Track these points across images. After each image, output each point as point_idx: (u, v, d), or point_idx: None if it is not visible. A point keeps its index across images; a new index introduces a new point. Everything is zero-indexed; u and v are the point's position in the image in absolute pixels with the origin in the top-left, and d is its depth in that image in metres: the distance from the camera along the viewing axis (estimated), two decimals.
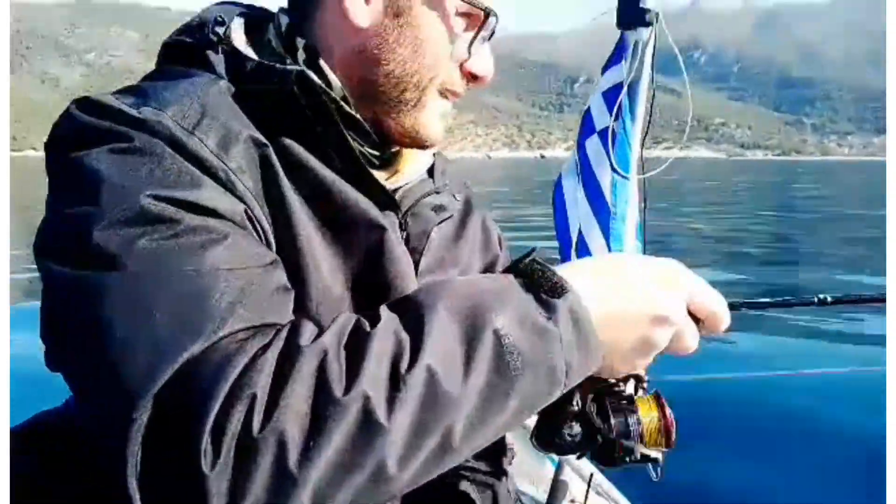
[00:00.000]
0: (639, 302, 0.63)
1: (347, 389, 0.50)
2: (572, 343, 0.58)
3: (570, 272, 0.62)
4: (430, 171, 0.91)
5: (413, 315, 0.56)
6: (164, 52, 0.77)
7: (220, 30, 0.74)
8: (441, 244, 0.88)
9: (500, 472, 0.95)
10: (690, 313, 0.66)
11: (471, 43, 0.76)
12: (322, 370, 0.51)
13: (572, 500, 1.69)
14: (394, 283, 0.75)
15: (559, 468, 1.75)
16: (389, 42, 0.74)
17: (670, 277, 0.66)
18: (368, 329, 0.55)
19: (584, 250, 2.19)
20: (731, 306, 0.70)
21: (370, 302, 0.68)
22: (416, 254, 0.82)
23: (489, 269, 1.01)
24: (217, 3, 0.80)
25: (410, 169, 0.87)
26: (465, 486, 0.89)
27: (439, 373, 0.52)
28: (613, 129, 2.18)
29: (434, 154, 0.93)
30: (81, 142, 0.61)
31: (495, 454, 0.95)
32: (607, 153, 2.17)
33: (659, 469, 0.75)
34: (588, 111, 2.30)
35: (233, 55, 0.73)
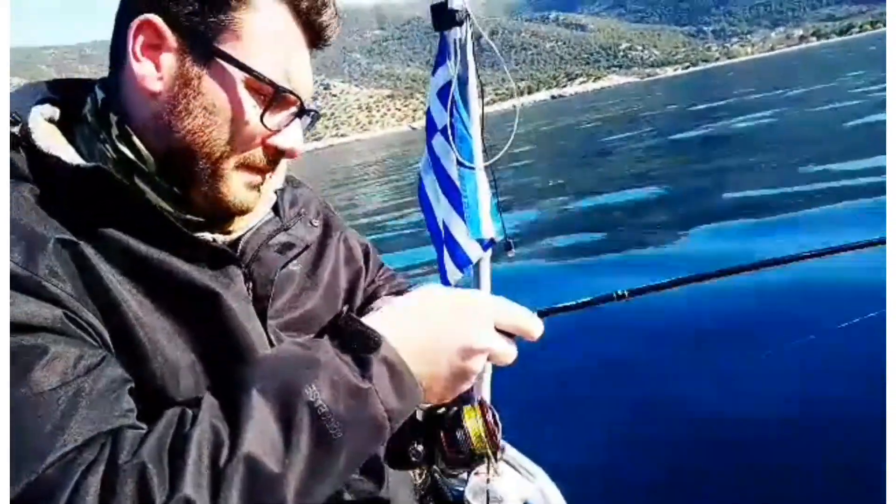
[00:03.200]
0: (448, 336, 0.69)
1: (169, 498, 0.51)
2: (389, 391, 0.62)
3: (380, 322, 0.67)
4: (276, 208, 0.92)
5: (229, 405, 0.58)
6: None
7: (16, 129, 0.72)
8: (299, 280, 0.90)
9: (380, 485, 0.98)
10: (502, 331, 0.73)
11: (261, 116, 0.76)
12: (142, 484, 0.52)
13: (476, 472, 1.82)
14: (237, 338, 0.77)
15: (431, 467, 1.90)
16: (178, 110, 0.74)
17: (472, 306, 0.72)
18: (188, 426, 0.56)
19: (451, 241, 2.36)
20: (541, 314, 0.78)
21: (220, 363, 0.73)
22: (263, 300, 0.83)
23: (354, 282, 1.06)
24: (22, 88, 0.79)
25: (252, 215, 0.87)
26: None
27: (260, 458, 0.55)
28: (452, 125, 2.35)
29: (277, 190, 0.94)
30: None
31: (378, 470, 0.98)
32: (451, 148, 2.34)
33: (492, 466, 0.85)
34: (429, 111, 2.45)
35: (34, 153, 0.71)
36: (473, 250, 2.35)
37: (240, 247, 0.85)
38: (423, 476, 1.62)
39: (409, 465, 0.83)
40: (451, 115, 2.35)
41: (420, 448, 0.82)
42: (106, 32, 0.82)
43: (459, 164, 2.34)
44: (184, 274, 0.74)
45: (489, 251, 2.37)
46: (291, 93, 0.77)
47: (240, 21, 0.74)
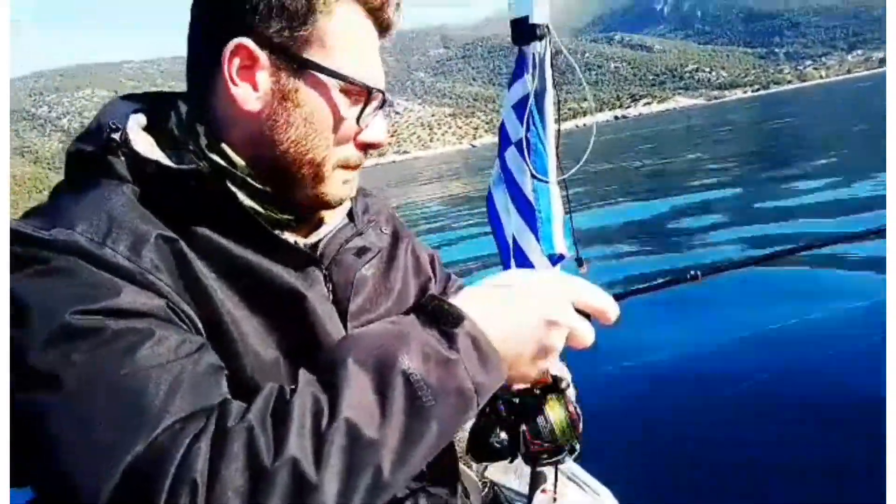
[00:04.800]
0: (529, 312, 0.70)
1: (276, 458, 0.55)
2: (475, 363, 0.65)
3: (463, 301, 0.70)
4: (352, 214, 0.97)
5: (327, 374, 0.62)
6: (70, 161, 0.80)
7: (117, 136, 0.76)
8: (372, 284, 0.93)
9: (454, 493, 0.99)
10: (580, 312, 0.74)
11: (358, 118, 0.81)
12: (251, 445, 0.55)
13: (543, 489, 1.80)
14: (320, 338, 0.80)
15: (515, 457, 1.88)
16: (280, 124, 0.78)
17: (553, 284, 0.74)
18: (289, 396, 0.60)
19: (520, 254, 2.35)
20: (617, 297, 0.79)
21: (303, 359, 0.73)
22: (343, 301, 0.87)
23: (423, 290, 1.07)
24: (115, 100, 0.84)
25: (329, 219, 0.92)
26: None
27: (358, 422, 0.58)
28: (527, 139, 2.34)
29: (350, 198, 0.96)
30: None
31: (451, 477, 1.00)
32: (525, 162, 2.33)
33: (574, 457, 0.84)
34: (503, 125, 2.45)
35: (133, 158, 0.76)
36: (544, 266, 2.32)
37: (319, 250, 0.88)
38: (486, 490, 1.60)
39: (493, 455, 0.82)
40: (527, 129, 2.35)
41: (503, 436, 0.81)
42: (181, 48, 0.83)
43: (534, 177, 2.33)
44: (273, 275, 0.78)
45: (558, 266, 2.34)
46: (379, 90, 0.81)
47: (322, 29, 0.77)
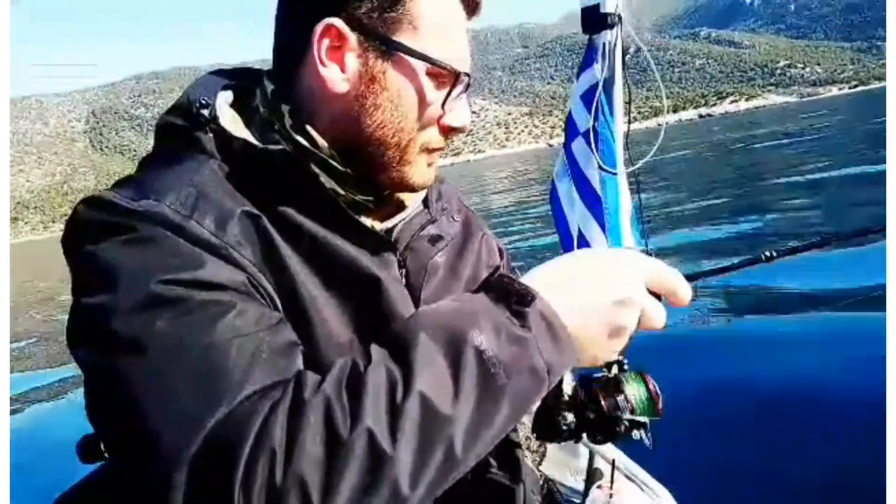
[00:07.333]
0: (600, 291, 0.68)
1: (352, 429, 0.55)
2: (547, 342, 0.63)
3: (533, 280, 0.68)
4: (426, 201, 0.96)
5: (400, 349, 0.61)
6: (159, 134, 0.81)
7: (206, 112, 0.78)
8: (443, 271, 0.93)
9: (517, 480, 0.98)
10: (652, 292, 0.71)
11: (443, 102, 0.81)
12: (328, 416, 0.55)
13: (599, 485, 1.77)
14: (393, 320, 0.79)
15: (592, 457, 1.86)
16: (367, 106, 0.79)
17: (624, 262, 0.71)
18: (363, 369, 0.59)
19: (585, 246, 2.31)
20: (688, 278, 0.75)
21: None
22: (416, 288, 0.87)
23: None
24: (205, 76, 0.85)
25: (407, 204, 0.92)
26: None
27: (432, 397, 0.57)
28: (595, 129, 2.30)
29: None
30: (92, 237, 0.66)
31: (514, 464, 0.99)
32: (593, 152, 2.29)
33: (649, 436, 0.79)
34: (570, 115, 2.41)
35: (221, 134, 0.77)
36: None
37: (394, 235, 0.88)
38: (541, 482, 1.58)
39: (558, 436, 0.81)
40: (595, 119, 2.30)
41: (570, 418, 0.80)
42: (267, 52, 0.84)
43: (601, 169, 2.28)
44: (351, 257, 0.78)
45: (629, 244, 2.28)
46: (466, 74, 0.81)
47: (412, 11, 0.77)
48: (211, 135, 0.77)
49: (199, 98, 0.79)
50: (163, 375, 0.59)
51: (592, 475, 1.79)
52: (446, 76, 0.80)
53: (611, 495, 1.58)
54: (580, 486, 1.84)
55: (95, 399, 0.64)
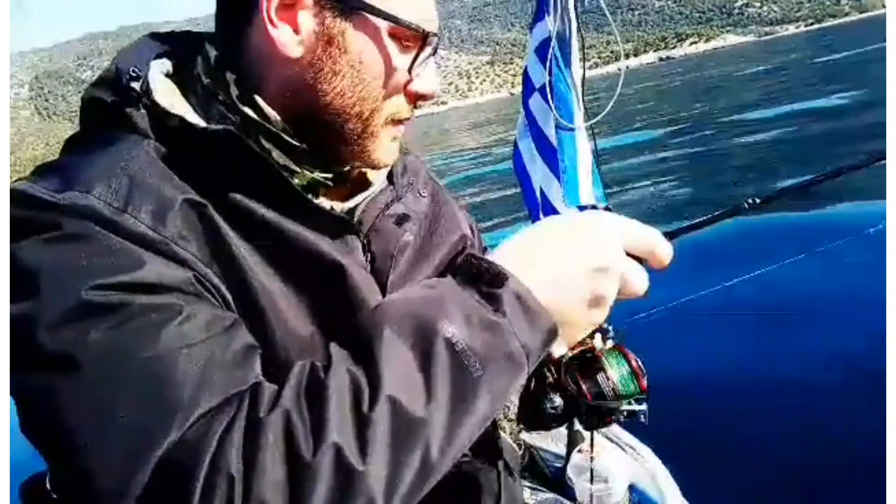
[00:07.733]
0: (575, 260, 0.62)
1: (316, 446, 0.49)
2: (523, 325, 0.58)
3: (502, 257, 0.62)
4: (391, 176, 0.87)
5: (363, 347, 0.55)
6: (85, 110, 0.72)
7: (137, 84, 0.69)
8: (411, 254, 0.85)
9: (494, 462, 0.92)
10: (630, 255, 0.65)
11: (411, 66, 0.73)
12: (288, 434, 0.50)
13: (580, 450, 1.76)
14: (359, 311, 0.73)
15: (572, 422, 1.84)
16: (324, 72, 0.71)
17: (596, 226, 0.65)
18: (322, 374, 0.54)
19: (549, 207, 2.27)
20: (667, 235, 0.70)
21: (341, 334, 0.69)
22: (383, 273, 0.80)
23: None
24: (138, 41, 0.76)
25: (369, 181, 0.85)
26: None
27: (402, 399, 0.52)
28: (551, 83, 2.24)
29: None
30: (11, 236, 0.58)
31: (490, 446, 0.92)
32: (551, 108, 2.23)
33: (644, 415, 0.77)
34: (525, 71, 2.35)
35: (155, 110, 0.69)
36: None
37: (356, 216, 0.80)
38: (522, 452, 1.57)
39: (546, 422, 0.77)
40: (550, 73, 2.24)
41: (558, 400, 0.76)
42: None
43: (558, 127, 2.23)
44: (309, 243, 0.71)
45: (601, 206, 2.25)
46: (434, 34, 0.73)
47: None
48: (144, 111, 0.68)
49: (129, 68, 0.70)
50: (101, 396, 0.52)
51: (574, 439, 1.80)
52: (413, 37, 0.72)
53: (592, 458, 1.58)
54: (562, 451, 1.84)
55: (26, 420, 0.56)
